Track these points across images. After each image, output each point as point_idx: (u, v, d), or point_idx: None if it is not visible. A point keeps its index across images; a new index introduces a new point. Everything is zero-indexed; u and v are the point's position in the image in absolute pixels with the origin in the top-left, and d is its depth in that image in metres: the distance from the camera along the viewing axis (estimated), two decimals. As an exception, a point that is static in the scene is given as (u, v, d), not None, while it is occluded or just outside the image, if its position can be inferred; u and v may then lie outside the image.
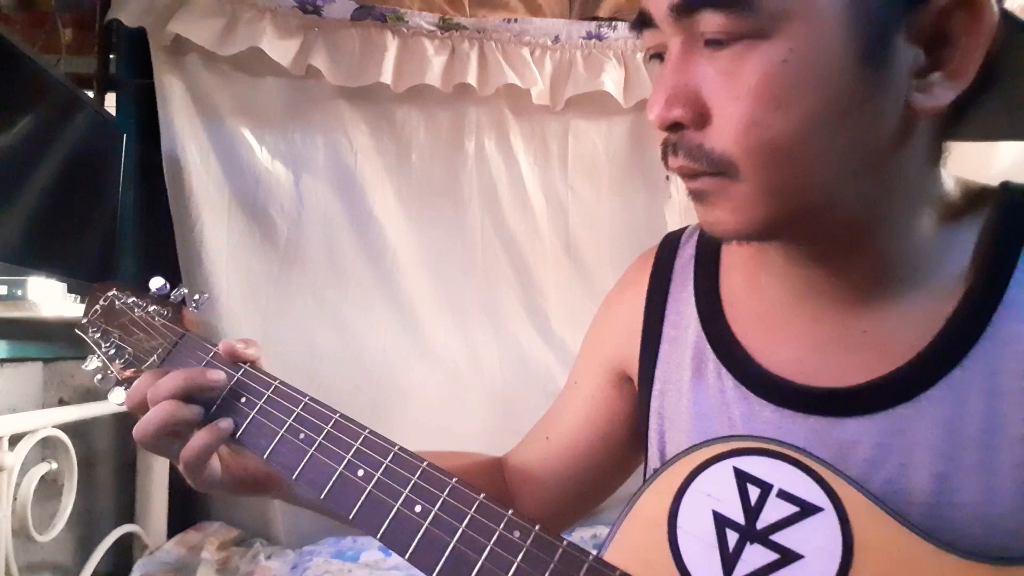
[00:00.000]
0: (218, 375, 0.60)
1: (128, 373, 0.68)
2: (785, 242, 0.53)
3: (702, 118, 0.46)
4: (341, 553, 1.66)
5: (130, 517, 1.66)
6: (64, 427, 1.35)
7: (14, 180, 1.31)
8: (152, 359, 0.67)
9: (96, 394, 1.50)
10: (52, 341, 1.43)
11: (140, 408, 0.60)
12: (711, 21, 0.44)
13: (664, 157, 0.50)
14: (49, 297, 1.32)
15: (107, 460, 1.68)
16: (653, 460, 0.62)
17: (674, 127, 0.47)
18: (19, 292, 1.27)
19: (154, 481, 1.67)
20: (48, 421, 1.31)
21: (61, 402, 1.50)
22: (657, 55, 0.50)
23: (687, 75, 0.46)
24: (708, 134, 0.46)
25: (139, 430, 0.58)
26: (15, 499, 1.24)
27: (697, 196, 0.49)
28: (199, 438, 0.58)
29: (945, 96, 0.45)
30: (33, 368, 1.43)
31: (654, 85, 0.48)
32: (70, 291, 1.41)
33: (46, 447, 1.37)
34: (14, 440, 1.21)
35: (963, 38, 0.44)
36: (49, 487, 1.38)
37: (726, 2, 0.43)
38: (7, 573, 1.19)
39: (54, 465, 1.37)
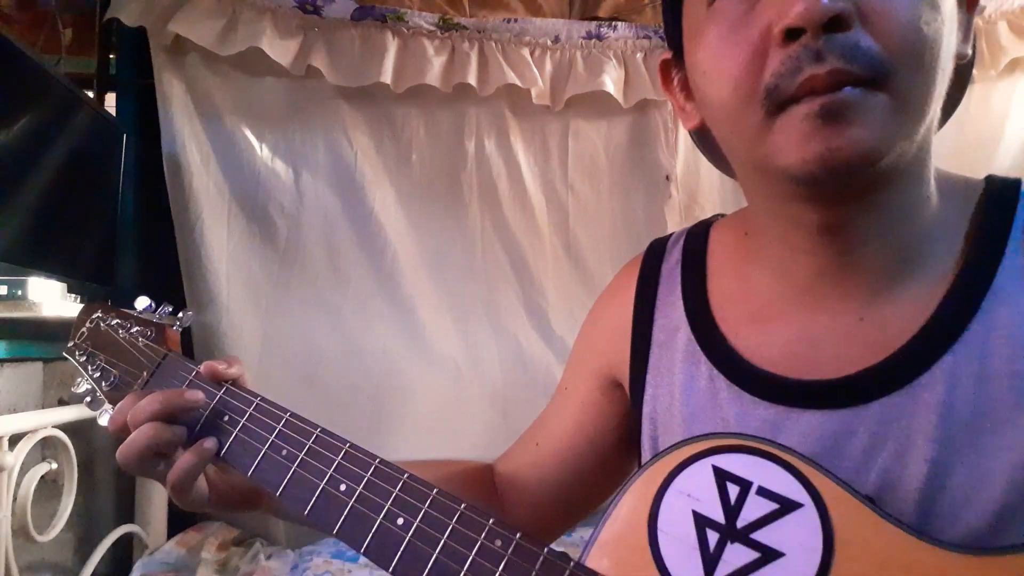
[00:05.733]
0: (196, 395, 0.60)
1: (115, 395, 0.67)
2: (864, 206, 0.50)
3: (862, 15, 0.44)
4: (341, 553, 1.66)
5: (130, 517, 1.66)
6: (64, 427, 1.35)
7: (14, 180, 1.31)
8: (137, 381, 0.67)
9: (96, 394, 1.50)
10: (52, 341, 1.43)
11: (122, 431, 0.59)
12: None
13: (786, 76, 0.45)
14: (49, 297, 1.33)
15: (107, 460, 1.68)
16: (645, 465, 0.62)
17: (830, 25, 0.44)
18: (19, 292, 1.28)
19: (154, 481, 1.67)
20: (48, 421, 1.32)
21: (61, 402, 1.50)
22: None
23: None
24: (866, 33, 0.44)
25: (121, 453, 0.58)
26: (15, 499, 1.25)
27: (832, 114, 0.44)
28: (184, 459, 0.58)
29: (966, 51, 0.48)
30: (33, 368, 1.43)
31: None
32: (70, 291, 1.42)
33: (46, 447, 1.37)
34: (14, 440, 1.22)
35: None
36: (49, 487, 1.38)
37: None
38: (7, 573, 1.19)
39: (54, 465, 1.37)
